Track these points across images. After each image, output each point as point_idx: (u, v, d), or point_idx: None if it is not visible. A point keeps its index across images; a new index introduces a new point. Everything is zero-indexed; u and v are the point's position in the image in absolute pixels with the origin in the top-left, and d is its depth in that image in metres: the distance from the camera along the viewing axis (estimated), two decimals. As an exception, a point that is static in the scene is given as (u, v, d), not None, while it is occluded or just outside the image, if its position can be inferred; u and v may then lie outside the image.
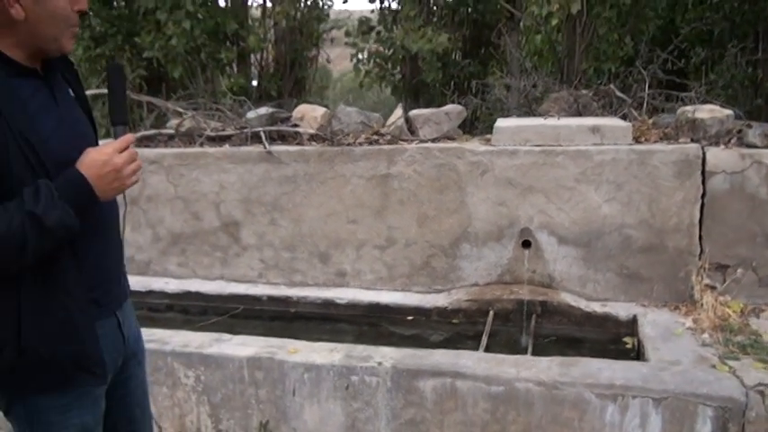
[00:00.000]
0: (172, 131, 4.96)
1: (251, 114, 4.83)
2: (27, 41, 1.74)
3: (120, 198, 1.91)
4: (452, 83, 6.55)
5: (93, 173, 1.71)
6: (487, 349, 3.66)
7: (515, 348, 3.82)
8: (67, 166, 1.73)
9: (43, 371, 1.78)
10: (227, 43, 6.17)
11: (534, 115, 4.88)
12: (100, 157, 1.73)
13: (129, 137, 1.80)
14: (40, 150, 1.68)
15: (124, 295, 2.07)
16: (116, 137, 1.82)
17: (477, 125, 5.79)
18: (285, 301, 4.55)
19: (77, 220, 1.69)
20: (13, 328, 1.72)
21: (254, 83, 6.72)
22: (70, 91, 1.93)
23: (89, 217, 1.77)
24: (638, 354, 3.66)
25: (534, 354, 3.58)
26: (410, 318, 4.29)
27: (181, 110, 5.17)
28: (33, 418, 1.85)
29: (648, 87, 5.04)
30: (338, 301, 4.45)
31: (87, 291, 1.84)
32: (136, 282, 4.40)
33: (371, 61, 6.60)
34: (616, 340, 3.90)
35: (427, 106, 5.76)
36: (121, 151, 1.76)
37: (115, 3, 6.56)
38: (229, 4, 6.57)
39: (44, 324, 1.75)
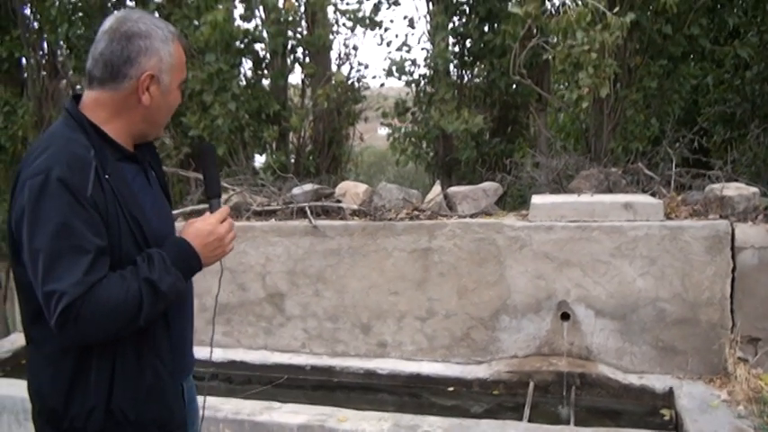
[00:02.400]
0: (220, 206, 5.18)
1: (296, 190, 5.06)
2: (137, 125, 1.92)
3: (217, 265, 2.04)
4: (482, 160, 6.78)
5: (199, 242, 1.87)
6: (530, 420, 3.74)
7: (557, 419, 3.91)
8: (162, 239, 1.89)
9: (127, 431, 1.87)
10: (269, 123, 6.46)
11: (565, 192, 5.06)
12: (205, 227, 1.90)
13: (226, 208, 1.97)
14: (144, 226, 1.84)
15: (191, 366, 2.20)
16: (212, 208, 2.00)
17: (507, 200, 5.97)
18: (328, 370, 4.67)
19: (186, 285, 1.85)
20: (105, 390, 1.81)
21: (292, 159, 6.99)
22: (153, 174, 2.10)
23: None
24: (676, 426, 3.73)
25: (576, 425, 3.67)
26: (451, 389, 4.38)
27: (227, 186, 5.41)
28: None
29: (675, 165, 5.21)
30: (380, 371, 4.57)
31: (173, 357, 1.96)
32: (182, 351, 4.57)
33: (407, 140, 6.87)
34: (654, 412, 3.97)
35: (459, 183, 5.99)
36: (222, 221, 1.93)
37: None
38: (271, 87, 6.90)
39: (135, 387, 1.85)
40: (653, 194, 4.76)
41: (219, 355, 4.91)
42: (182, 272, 1.82)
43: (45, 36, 7.32)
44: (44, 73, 7.88)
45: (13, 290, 6.27)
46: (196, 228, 1.90)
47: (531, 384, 4.17)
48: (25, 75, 8.09)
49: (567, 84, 5.93)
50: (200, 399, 2.37)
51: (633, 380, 4.13)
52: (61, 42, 6.95)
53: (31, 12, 7.73)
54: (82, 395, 1.81)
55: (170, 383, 1.94)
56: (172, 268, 1.79)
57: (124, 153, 1.90)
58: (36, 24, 7.67)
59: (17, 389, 4.13)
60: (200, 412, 2.29)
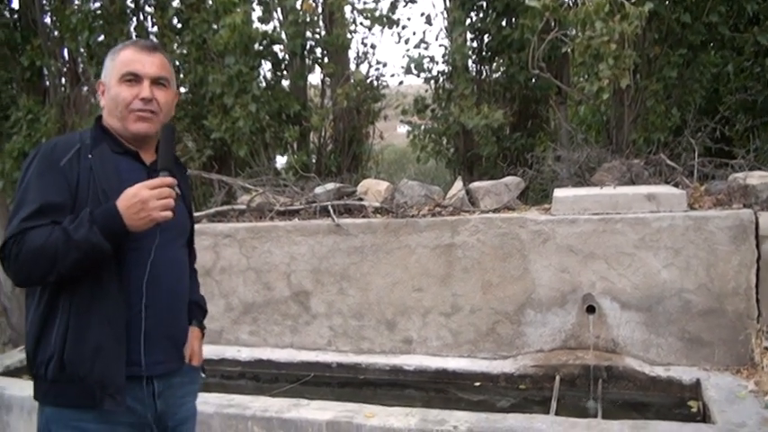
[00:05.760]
0: (243, 207, 5.25)
1: (319, 189, 5.10)
2: (110, 124, 2.21)
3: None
4: (503, 155, 6.77)
5: (122, 203, 1.98)
6: (557, 414, 3.73)
7: (584, 413, 3.89)
8: None
9: (77, 388, 2.04)
10: (290, 123, 6.50)
11: (587, 185, 5.04)
12: (130, 191, 2.00)
13: (165, 179, 2.04)
14: (111, 198, 2.02)
15: (174, 369, 2.27)
16: None
17: (529, 194, 5.96)
18: (354, 367, 4.69)
19: (104, 240, 1.96)
20: (60, 343, 2.03)
21: (313, 159, 7.03)
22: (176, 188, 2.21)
23: (138, 275, 2.10)
24: (703, 417, 3.70)
25: (603, 418, 3.65)
26: (477, 384, 4.39)
27: (250, 186, 5.45)
28: (52, 427, 2.10)
29: (697, 155, 5.18)
30: (406, 367, 4.58)
31: (127, 339, 2.09)
32: (208, 350, 4.57)
33: (427, 137, 6.90)
34: (681, 404, 3.94)
35: (480, 178, 5.99)
36: (152, 189, 2.00)
37: (183, 89, 6.98)
38: (291, 87, 6.95)
39: (83, 345, 2.03)
40: (676, 185, 4.74)
41: (247, 354, 4.98)
42: (100, 228, 1.96)
43: (66, 44, 7.39)
44: (66, 80, 7.97)
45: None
46: (124, 193, 2.01)
47: (558, 378, 4.17)
48: (47, 83, 8.18)
49: (586, 76, 5.89)
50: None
51: (660, 372, 4.11)
52: (82, 50, 7.02)
53: (52, 21, 7.82)
54: (45, 345, 2.06)
55: (114, 349, 2.07)
56: (87, 223, 1.95)
57: (122, 147, 2.20)
58: (57, 33, 7.75)
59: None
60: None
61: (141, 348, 2.12)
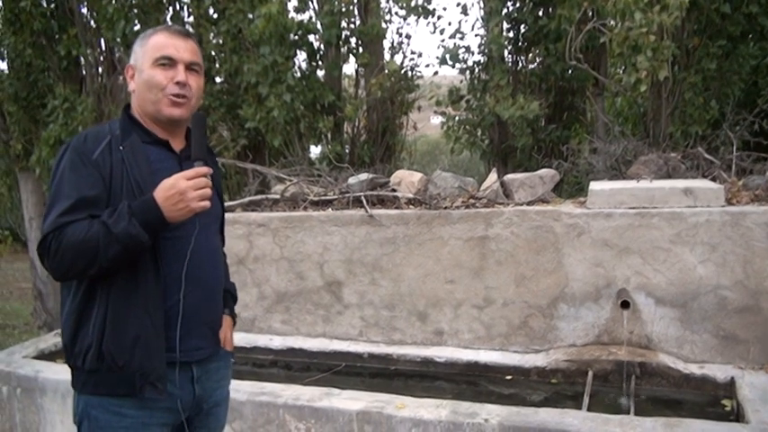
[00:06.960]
0: (277, 196, 5.28)
1: (352, 180, 5.11)
2: (141, 109, 2.22)
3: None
4: (538, 147, 6.73)
5: (160, 195, 2.00)
6: (589, 409, 3.71)
7: (617, 409, 3.87)
8: None
9: (117, 378, 2.08)
10: (324, 114, 6.52)
11: (623, 178, 4.99)
12: (168, 182, 2.02)
13: (201, 169, 2.06)
14: (144, 189, 2.07)
15: (210, 355, 2.31)
16: None
17: (564, 187, 5.91)
18: (385, 358, 4.71)
19: (144, 232, 1.98)
20: (98, 333, 2.06)
21: (347, 149, 7.05)
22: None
23: (177, 263, 2.13)
24: (737, 416, 3.65)
25: (636, 415, 3.62)
26: (509, 377, 4.38)
27: (284, 176, 5.48)
28: (92, 415, 2.13)
29: (735, 149, 5.10)
30: (437, 359, 4.59)
31: (166, 327, 2.13)
32: (241, 338, 4.67)
33: (461, 128, 6.87)
34: (714, 402, 3.90)
35: (515, 170, 5.95)
36: (189, 179, 2.02)
37: (218, 79, 7.04)
38: (326, 77, 6.96)
39: (122, 335, 2.06)
40: (713, 179, 4.67)
41: (279, 342, 5.03)
42: (139, 220, 1.98)
43: (102, 33, 7.46)
44: (102, 70, 8.06)
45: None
46: (162, 184, 2.03)
47: (590, 373, 4.14)
48: (84, 72, 8.27)
49: (624, 67, 5.84)
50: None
51: (694, 369, 4.07)
52: (118, 39, 7.09)
53: (89, 10, 7.89)
54: (83, 335, 2.09)
55: (154, 337, 2.10)
56: (127, 216, 1.98)
57: (152, 137, 2.22)
58: (93, 22, 7.83)
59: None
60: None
61: (180, 335, 2.16)
